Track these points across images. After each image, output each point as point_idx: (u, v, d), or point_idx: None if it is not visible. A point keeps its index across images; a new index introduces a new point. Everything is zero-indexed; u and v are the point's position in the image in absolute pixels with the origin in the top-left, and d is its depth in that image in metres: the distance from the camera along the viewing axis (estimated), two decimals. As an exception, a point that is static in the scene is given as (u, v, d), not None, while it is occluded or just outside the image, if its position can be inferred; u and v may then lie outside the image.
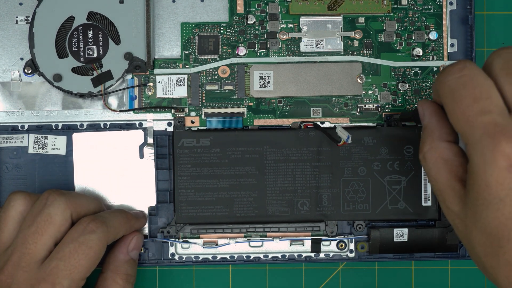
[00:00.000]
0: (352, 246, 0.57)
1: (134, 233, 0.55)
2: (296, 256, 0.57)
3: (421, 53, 0.57)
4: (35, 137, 0.57)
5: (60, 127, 0.57)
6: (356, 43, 0.57)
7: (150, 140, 0.57)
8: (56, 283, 0.47)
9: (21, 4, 0.57)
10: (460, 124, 0.37)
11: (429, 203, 0.56)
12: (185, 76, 0.57)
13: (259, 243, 0.57)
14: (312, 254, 0.57)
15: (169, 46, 0.57)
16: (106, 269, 0.53)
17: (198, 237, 0.57)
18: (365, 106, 0.57)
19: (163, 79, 0.57)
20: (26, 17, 0.56)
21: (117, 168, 0.57)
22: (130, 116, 0.57)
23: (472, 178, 0.36)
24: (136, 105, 0.57)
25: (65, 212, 0.50)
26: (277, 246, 0.57)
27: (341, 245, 0.57)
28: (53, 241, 0.49)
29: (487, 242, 0.36)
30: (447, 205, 0.39)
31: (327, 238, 0.57)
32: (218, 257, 0.57)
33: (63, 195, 0.50)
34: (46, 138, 0.57)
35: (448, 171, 0.40)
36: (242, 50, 0.57)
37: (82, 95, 0.56)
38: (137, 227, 0.55)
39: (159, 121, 0.57)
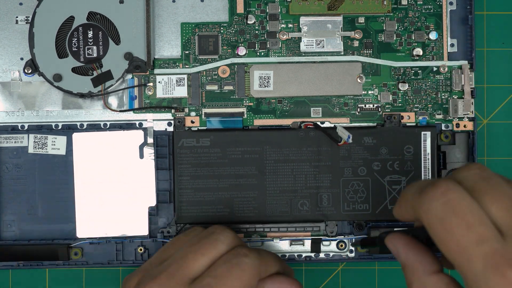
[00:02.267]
0: (352, 246, 0.57)
1: (294, 282, 0.51)
2: (296, 256, 0.57)
3: (421, 53, 0.57)
4: (35, 137, 0.57)
5: (60, 127, 0.57)
6: (356, 43, 0.57)
7: (150, 140, 0.57)
8: None
9: (21, 4, 0.57)
10: (456, 256, 0.34)
11: (429, 203, 0.56)
12: (185, 76, 0.57)
13: (259, 243, 0.57)
14: (312, 254, 0.57)
15: (169, 46, 0.57)
16: None
17: (198, 237, 0.57)
18: (365, 106, 0.57)
19: (163, 79, 0.57)
20: (26, 17, 0.56)
21: (117, 168, 0.57)
22: (130, 116, 0.57)
23: None
24: (136, 105, 0.57)
25: (232, 243, 0.49)
26: (277, 246, 0.57)
27: (341, 245, 0.57)
28: (211, 264, 0.48)
29: None
30: None
31: (327, 238, 0.57)
32: (218, 257, 0.57)
33: (231, 230, 0.50)
34: (46, 138, 0.57)
35: None
36: (242, 50, 0.57)
37: (82, 95, 0.56)
38: (288, 272, 0.53)
39: (159, 121, 0.57)
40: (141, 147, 0.57)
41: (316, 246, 0.57)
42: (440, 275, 0.39)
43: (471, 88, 0.57)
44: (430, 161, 0.56)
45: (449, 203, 0.35)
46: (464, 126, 0.57)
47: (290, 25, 0.57)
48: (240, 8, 0.57)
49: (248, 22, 0.57)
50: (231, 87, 0.57)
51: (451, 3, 0.58)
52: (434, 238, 0.36)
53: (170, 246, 0.51)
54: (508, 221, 0.34)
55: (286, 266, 0.52)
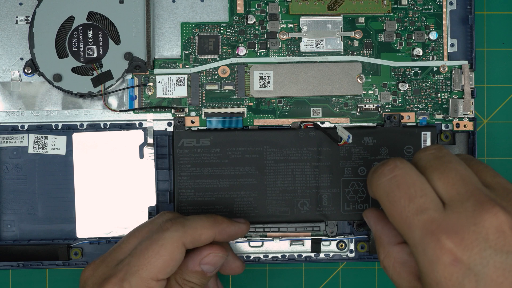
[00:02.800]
0: (352, 246, 0.57)
1: (216, 249, 0.49)
2: (296, 256, 0.57)
3: (421, 53, 0.57)
4: (35, 137, 0.57)
5: (60, 127, 0.57)
6: (356, 43, 0.57)
7: (150, 140, 0.57)
8: (124, 279, 0.46)
9: (21, 4, 0.57)
10: (400, 226, 0.38)
11: (429, 203, 0.56)
12: (185, 76, 0.57)
13: (259, 243, 0.57)
14: (312, 254, 0.57)
15: (169, 46, 0.57)
16: (176, 271, 0.49)
17: (198, 237, 0.57)
18: (365, 106, 0.57)
19: (163, 79, 0.57)
20: (26, 17, 0.56)
21: (117, 168, 0.57)
22: (130, 116, 0.57)
23: (423, 278, 0.37)
24: (136, 105, 0.57)
25: (163, 220, 0.49)
26: (277, 246, 0.57)
27: (341, 245, 0.57)
28: None
29: None
30: None
31: (327, 238, 0.57)
32: (218, 257, 0.57)
33: (175, 212, 0.50)
34: (46, 138, 0.57)
35: (408, 273, 0.40)
36: (242, 50, 0.57)
37: (82, 95, 0.56)
38: (231, 232, 0.51)
39: (159, 121, 0.57)
40: (141, 147, 0.57)
41: (316, 246, 0.57)
42: (403, 246, 0.41)
43: (471, 88, 0.57)
44: (430, 161, 0.56)
45: (395, 178, 0.38)
46: (464, 126, 0.57)
47: (290, 25, 0.57)
48: (240, 8, 0.57)
49: (248, 22, 0.57)
50: (231, 87, 0.57)
51: (451, 3, 0.58)
52: (384, 211, 0.39)
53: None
54: (451, 193, 0.37)
55: (227, 224, 0.50)
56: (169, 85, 0.57)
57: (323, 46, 0.57)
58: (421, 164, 0.39)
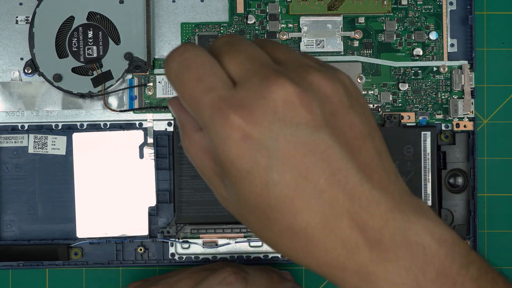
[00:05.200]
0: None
1: None
2: (296, 256, 0.57)
3: (421, 53, 0.57)
4: (35, 137, 0.57)
5: (60, 127, 0.57)
6: (356, 43, 0.57)
7: (150, 140, 0.57)
8: None
9: (21, 4, 0.57)
10: (191, 107, 0.36)
11: (429, 203, 0.56)
12: (185, 76, 0.57)
13: (259, 243, 0.57)
14: (312, 254, 0.57)
15: (169, 46, 0.57)
16: None
17: (198, 237, 0.57)
18: (365, 106, 0.57)
19: (163, 79, 0.57)
20: (26, 17, 0.56)
21: (117, 168, 0.56)
22: (130, 116, 0.57)
23: (218, 159, 0.36)
24: (136, 105, 0.57)
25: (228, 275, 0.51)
26: (277, 246, 0.57)
27: (341, 245, 0.57)
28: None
29: (256, 217, 0.35)
30: (218, 192, 0.38)
31: (327, 238, 0.57)
32: (218, 257, 0.57)
33: (232, 268, 0.52)
34: (46, 138, 0.57)
35: (209, 159, 0.38)
36: (242, 50, 0.57)
37: (82, 95, 0.56)
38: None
39: (159, 121, 0.57)
40: (141, 147, 0.57)
41: (316, 246, 0.57)
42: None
43: (471, 88, 0.57)
44: (430, 161, 0.56)
45: (185, 60, 0.37)
46: (464, 126, 0.57)
47: (290, 25, 0.57)
48: (240, 8, 0.57)
49: (248, 22, 0.57)
50: (231, 87, 0.57)
51: (451, 3, 0.58)
52: (178, 95, 0.38)
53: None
54: (240, 72, 0.36)
55: (279, 283, 0.53)
56: (169, 85, 0.57)
57: (323, 46, 0.57)
58: (213, 52, 0.38)
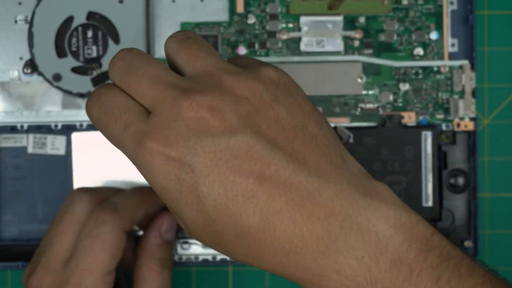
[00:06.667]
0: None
1: (165, 213, 0.51)
2: (296, 257, 0.57)
3: (421, 53, 0.57)
4: (35, 137, 0.57)
5: (59, 127, 0.57)
6: (356, 43, 0.57)
7: (150, 140, 0.57)
8: (80, 283, 0.46)
9: (20, 3, 0.57)
10: (117, 147, 0.38)
11: (430, 204, 0.56)
12: (185, 76, 0.57)
13: (259, 244, 0.57)
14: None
15: (168, 46, 0.57)
16: (140, 256, 0.50)
17: (198, 238, 0.57)
18: (365, 106, 0.57)
19: (162, 79, 0.57)
20: (25, 16, 0.56)
21: (117, 168, 0.56)
22: (129, 116, 0.57)
23: (155, 191, 0.36)
24: (135, 105, 0.57)
25: (89, 206, 0.49)
26: (277, 246, 0.57)
27: (341, 246, 0.57)
28: (76, 239, 0.48)
29: (208, 234, 0.36)
30: (181, 224, 0.39)
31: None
32: (218, 257, 0.57)
33: (86, 192, 0.50)
34: (45, 138, 0.57)
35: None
36: (242, 50, 0.57)
37: (81, 95, 0.56)
38: (160, 203, 0.51)
39: (159, 121, 0.57)
40: (140, 147, 0.57)
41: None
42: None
43: (472, 88, 0.57)
44: (430, 161, 0.56)
45: (101, 106, 0.38)
46: (465, 126, 0.57)
47: (290, 25, 0.57)
48: (240, 8, 0.57)
49: (248, 22, 0.57)
50: (231, 87, 0.57)
51: (451, 3, 0.57)
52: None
53: (48, 230, 0.51)
54: (149, 101, 0.37)
55: (155, 196, 0.51)
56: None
57: (323, 46, 0.57)
58: (116, 82, 0.39)
